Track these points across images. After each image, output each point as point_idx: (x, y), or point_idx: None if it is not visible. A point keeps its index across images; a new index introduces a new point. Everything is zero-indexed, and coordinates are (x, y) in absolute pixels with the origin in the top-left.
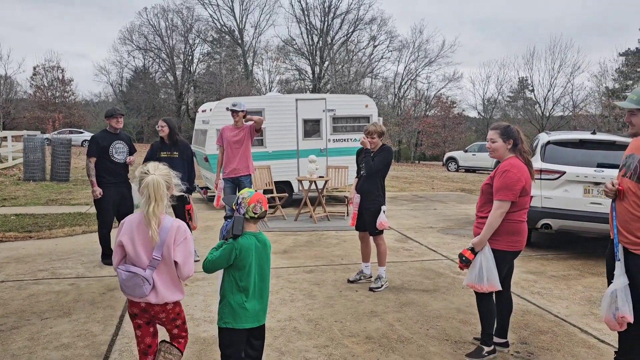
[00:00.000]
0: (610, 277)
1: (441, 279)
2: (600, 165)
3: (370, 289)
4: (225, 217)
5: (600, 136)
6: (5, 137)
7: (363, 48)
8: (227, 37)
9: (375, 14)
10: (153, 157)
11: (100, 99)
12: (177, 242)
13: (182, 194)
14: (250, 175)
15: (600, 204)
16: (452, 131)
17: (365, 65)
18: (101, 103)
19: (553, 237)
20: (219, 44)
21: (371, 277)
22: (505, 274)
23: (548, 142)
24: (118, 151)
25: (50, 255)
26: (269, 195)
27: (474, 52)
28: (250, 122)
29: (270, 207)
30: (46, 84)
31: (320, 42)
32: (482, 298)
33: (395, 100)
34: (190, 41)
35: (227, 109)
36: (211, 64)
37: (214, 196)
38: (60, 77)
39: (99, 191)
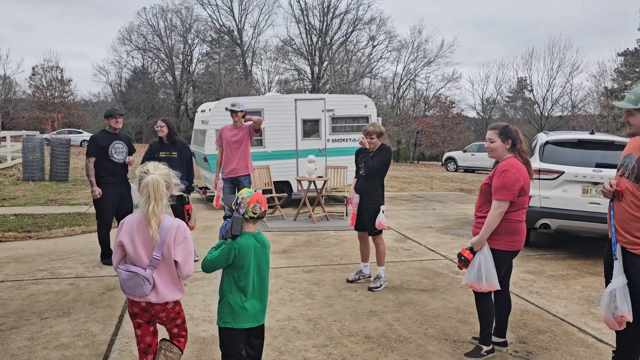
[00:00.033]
0: (607, 276)
1: (440, 278)
2: (599, 165)
3: (369, 289)
4: (225, 217)
5: (598, 136)
6: (4, 137)
7: (362, 48)
8: (226, 37)
9: (374, 14)
10: (152, 157)
11: (99, 99)
12: (177, 242)
13: (182, 193)
14: (249, 175)
15: (598, 203)
16: (451, 131)
17: (364, 66)
18: (100, 103)
19: (552, 237)
20: (218, 44)
21: (370, 276)
22: (503, 274)
23: (547, 142)
24: (117, 151)
25: (50, 255)
26: (268, 196)
27: (473, 52)
28: (250, 123)
29: (269, 207)
30: (45, 84)
31: (319, 42)
32: (481, 297)
33: (394, 100)
34: (189, 41)
35: (227, 109)
36: (210, 64)
37: (213, 196)
38: (59, 77)
39: (98, 191)
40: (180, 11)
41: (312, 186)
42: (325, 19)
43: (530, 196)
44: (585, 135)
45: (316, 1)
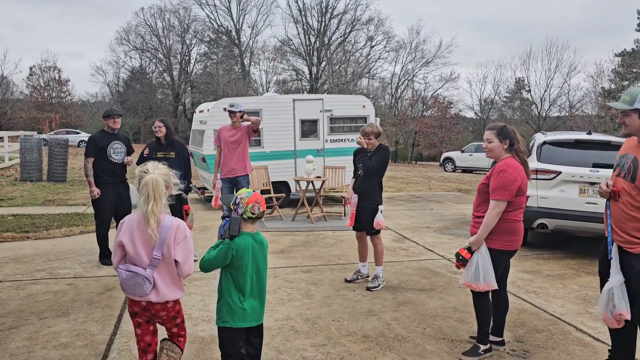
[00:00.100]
0: (602, 274)
1: (438, 278)
2: (596, 166)
3: (368, 289)
4: (223, 217)
5: (595, 136)
6: (2, 138)
7: (360, 48)
8: (224, 37)
9: (372, 15)
10: (149, 157)
11: (97, 100)
12: (177, 241)
13: (181, 192)
14: (247, 175)
15: (595, 203)
16: (449, 131)
17: (362, 66)
18: (98, 103)
19: (549, 237)
20: (216, 44)
21: (368, 276)
22: (501, 273)
23: (544, 142)
24: (116, 151)
25: (48, 256)
26: (267, 196)
27: (471, 52)
28: (248, 123)
29: (267, 207)
30: (42, 84)
31: (318, 43)
32: (479, 297)
33: (393, 100)
34: (187, 41)
35: (225, 109)
36: (208, 64)
37: (212, 196)
38: (57, 78)
39: (96, 191)
40: (178, 11)
41: (310, 186)
42: (323, 19)
43: (528, 196)
44: (582, 136)
45: (314, 1)
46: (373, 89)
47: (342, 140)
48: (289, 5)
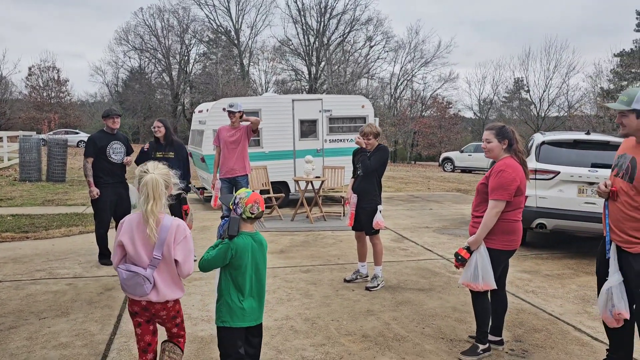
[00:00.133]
0: (599, 273)
1: (437, 278)
2: (594, 166)
3: (367, 288)
4: (222, 217)
5: (594, 136)
6: (1, 138)
7: (359, 48)
8: (223, 37)
9: (371, 15)
10: (149, 153)
11: (96, 100)
12: (177, 241)
13: (180, 192)
14: (247, 175)
15: (594, 203)
16: (448, 132)
17: (361, 66)
18: (97, 103)
19: (548, 237)
20: (215, 45)
21: (367, 276)
22: (500, 273)
23: (543, 143)
24: (115, 151)
25: (48, 256)
26: (266, 196)
27: (470, 52)
28: (247, 123)
29: (266, 207)
30: (41, 84)
31: (317, 43)
32: (477, 297)
33: (392, 100)
34: (187, 41)
35: (224, 109)
36: (207, 64)
37: (211, 196)
38: (56, 78)
39: (96, 191)
40: (177, 11)
41: (310, 186)
42: (322, 19)
43: (527, 196)
44: (580, 136)
45: (313, 1)
46: (372, 89)
47: (341, 140)
48: (288, 6)
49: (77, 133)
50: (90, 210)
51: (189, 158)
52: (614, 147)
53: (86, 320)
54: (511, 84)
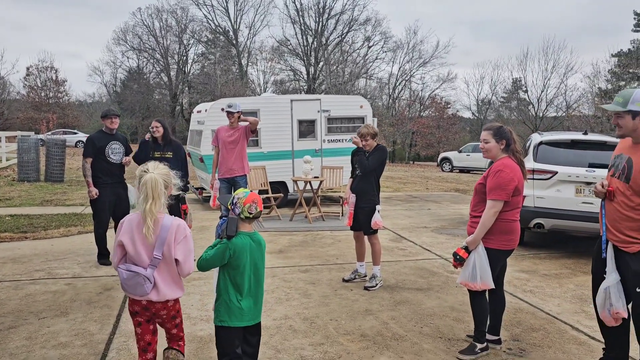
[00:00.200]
0: (595, 272)
1: (435, 277)
2: (592, 166)
3: (365, 288)
4: (221, 217)
5: (591, 136)
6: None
7: (357, 49)
8: (221, 37)
9: (369, 15)
10: (148, 149)
11: (94, 100)
12: (178, 241)
13: (180, 192)
14: (245, 175)
15: (591, 203)
16: (447, 132)
17: (359, 66)
18: (95, 104)
19: (545, 237)
20: (213, 45)
21: (366, 276)
22: (498, 273)
23: (540, 143)
24: (114, 152)
25: (47, 256)
26: (264, 196)
27: (468, 52)
28: (246, 123)
29: (265, 207)
30: (39, 85)
31: (315, 43)
32: (475, 296)
33: (390, 100)
34: (185, 42)
35: (223, 109)
36: (205, 64)
37: (210, 196)
38: (54, 78)
39: (95, 191)
40: (175, 11)
41: (308, 186)
42: (320, 19)
43: (524, 196)
44: (578, 136)
45: (312, 2)
46: (370, 89)
47: (339, 140)
48: (287, 6)
49: (75, 133)
50: (88, 210)
51: (187, 158)
52: (611, 147)
53: (85, 320)
54: (509, 84)
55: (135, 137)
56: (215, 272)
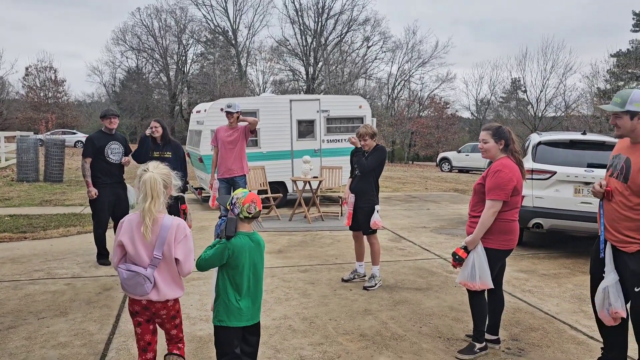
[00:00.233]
0: (593, 272)
1: (434, 277)
2: (591, 166)
3: (364, 288)
4: (220, 217)
5: (590, 137)
6: None
7: (357, 49)
8: (220, 37)
9: (368, 15)
10: (148, 145)
11: (93, 100)
12: (178, 240)
13: (179, 193)
14: (244, 175)
15: (590, 203)
16: (446, 132)
17: (359, 66)
18: (94, 104)
19: (544, 237)
20: (212, 45)
21: (365, 276)
22: (497, 272)
23: (539, 143)
24: (113, 152)
25: (46, 256)
26: (263, 196)
27: (467, 53)
28: (245, 123)
29: (264, 207)
30: (39, 85)
31: (314, 43)
32: (474, 296)
33: (389, 101)
34: (184, 42)
35: (222, 109)
36: (205, 64)
37: (209, 196)
38: (53, 78)
39: (94, 191)
40: (174, 11)
41: (307, 186)
42: (319, 19)
43: (523, 196)
44: (576, 136)
45: (311, 2)
46: (370, 89)
47: (338, 140)
48: (286, 6)
49: (74, 133)
50: (88, 210)
51: (187, 158)
52: (610, 147)
53: (85, 320)
54: (508, 84)
55: (135, 137)
56: (213, 272)
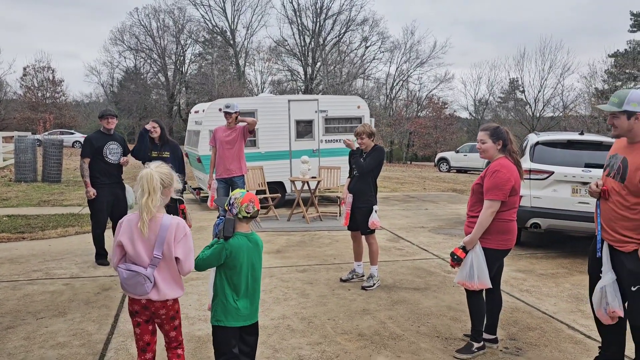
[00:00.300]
0: (591, 272)
1: (432, 277)
2: (588, 166)
3: (363, 288)
4: (219, 217)
5: (587, 137)
6: None
7: (355, 49)
8: (219, 37)
9: (367, 15)
10: (146, 151)
11: (91, 100)
12: (178, 239)
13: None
14: (243, 175)
15: (587, 203)
16: (444, 132)
17: (357, 66)
18: (92, 104)
19: (542, 236)
20: (210, 45)
21: (363, 276)
22: (495, 272)
23: (537, 143)
24: (112, 152)
25: (44, 256)
26: (262, 196)
27: (465, 53)
28: (243, 124)
29: (263, 207)
30: (36, 85)
31: (312, 43)
32: (472, 295)
33: (387, 101)
34: (182, 42)
35: (220, 110)
36: (203, 64)
37: (207, 197)
38: (51, 78)
39: (92, 191)
40: (172, 11)
41: (306, 187)
42: (318, 19)
43: (521, 196)
44: (574, 136)
45: (309, 2)
46: (368, 89)
47: (337, 140)
48: (284, 6)
49: (72, 133)
50: (86, 210)
51: (185, 158)
52: (607, 147)
53: (83, 320)
54: (506, 84)
55: (133, 138)
56: (211, 271)
